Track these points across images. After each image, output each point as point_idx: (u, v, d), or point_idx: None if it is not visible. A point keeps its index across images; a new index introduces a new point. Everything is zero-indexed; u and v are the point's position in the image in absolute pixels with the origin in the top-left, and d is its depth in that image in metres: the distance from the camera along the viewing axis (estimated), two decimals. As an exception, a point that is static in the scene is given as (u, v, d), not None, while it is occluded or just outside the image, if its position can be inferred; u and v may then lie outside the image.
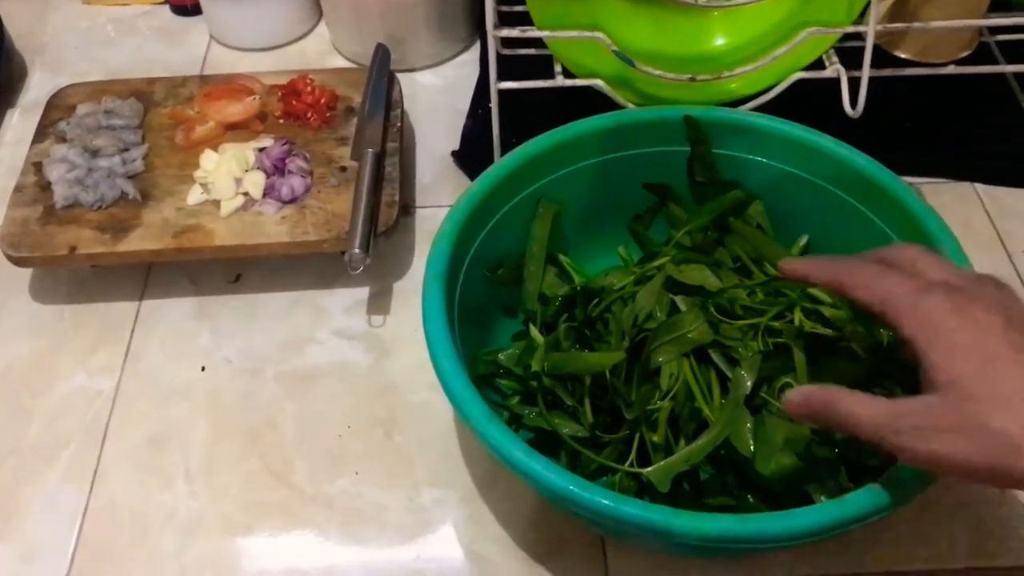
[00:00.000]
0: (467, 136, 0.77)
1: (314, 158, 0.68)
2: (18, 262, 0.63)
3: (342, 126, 0.70)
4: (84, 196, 0.64)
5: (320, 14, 0.87)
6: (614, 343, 0.55)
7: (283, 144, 0.67)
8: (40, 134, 0.70)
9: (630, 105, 0.66)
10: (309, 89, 0.71)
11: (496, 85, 0.65)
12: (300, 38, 0.86)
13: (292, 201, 0.65)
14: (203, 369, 0.62)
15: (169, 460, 0.58)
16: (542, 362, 0.55)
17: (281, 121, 0.70)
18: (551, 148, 0.60)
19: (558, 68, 0.66)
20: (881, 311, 0.42)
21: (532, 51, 0.67)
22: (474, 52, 0.85)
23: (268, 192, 0.65)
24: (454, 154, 0.75)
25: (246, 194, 0.65)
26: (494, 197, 0.59)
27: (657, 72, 0.64)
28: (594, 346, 0.56)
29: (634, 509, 0.44)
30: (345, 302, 0.66)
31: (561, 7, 0.64)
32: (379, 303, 0.66)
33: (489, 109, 0.77)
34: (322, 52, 0.85)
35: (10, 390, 0.62)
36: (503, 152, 0.70)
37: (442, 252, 0.55)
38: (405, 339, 0.64)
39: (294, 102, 0.70)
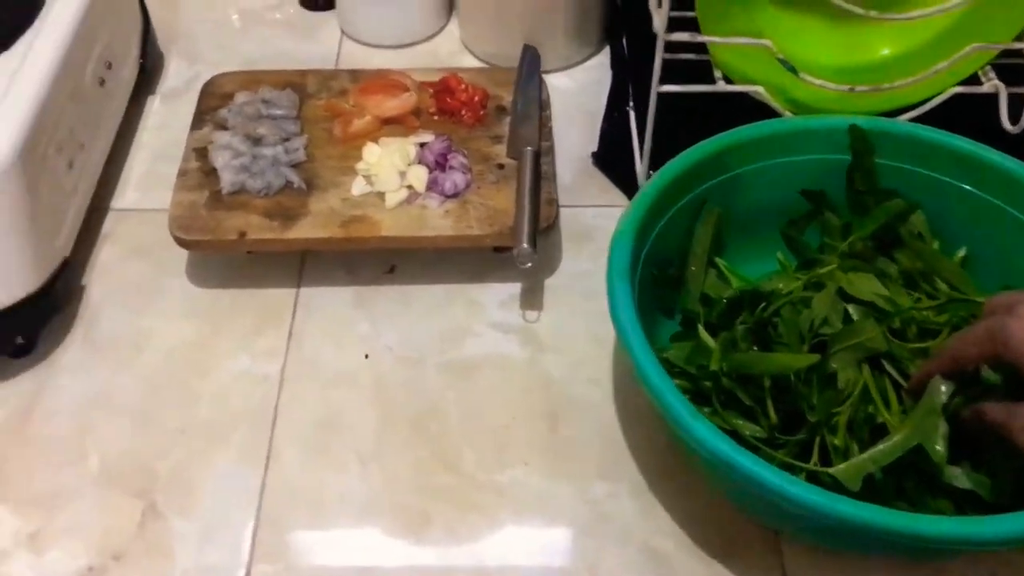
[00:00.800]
0: (605, 138, 0.78)
1: (471, 155, 0.69)
2: (188, 245, 0.65)
3: (495, 124, 0.72)
4: (251, 183, 0.66)
5: (450, 13, 0.88)
6: (793, 346, 0.56)
7: (444, 140, 0.69)
8: (198, 121, 0.71)
9: (787, 113, 0.67)
10: (463, 87, 0.72)
11: (657, 88, 0.66)
12: (431, 37, 0.87)
13: (454, 196, 0.66)
14: (366, 356, 0.64)
15: (340, 444, 0.59)
16: (720, 362, 0.56)
17: (435, 118, 0.72)
18: (718, 152, 0.62)
19: (718, 73, 0.67)
20: (992, 353, 0.47)
21: (691, 56, 0.68)
22: (603, 56, 0.86)
23: (431, 186, 0.66)
24: (594, 156, 0.77)
25: (410, 187, 0.66)
26: (665, 199, 0.60)
27: (818, 82, 0.65)
28: (773, 349, 0.57)
29: (880, 515, 0.45)
30: (499, 296, 0.67)
31: (728, 14, 0.65)
32: (531, 299, 0.67)
33: (627, 112, 0.79)
34: (453, 51, 0.87)
35: (176, 370, 0.63)
36: (653, 155, 0.71)
37: (624, 250, 0.56)
38: (560, 334, 0.65)
39: (448, 99, 0.72)
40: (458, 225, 0.65)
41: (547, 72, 0.83)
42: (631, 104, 0.80)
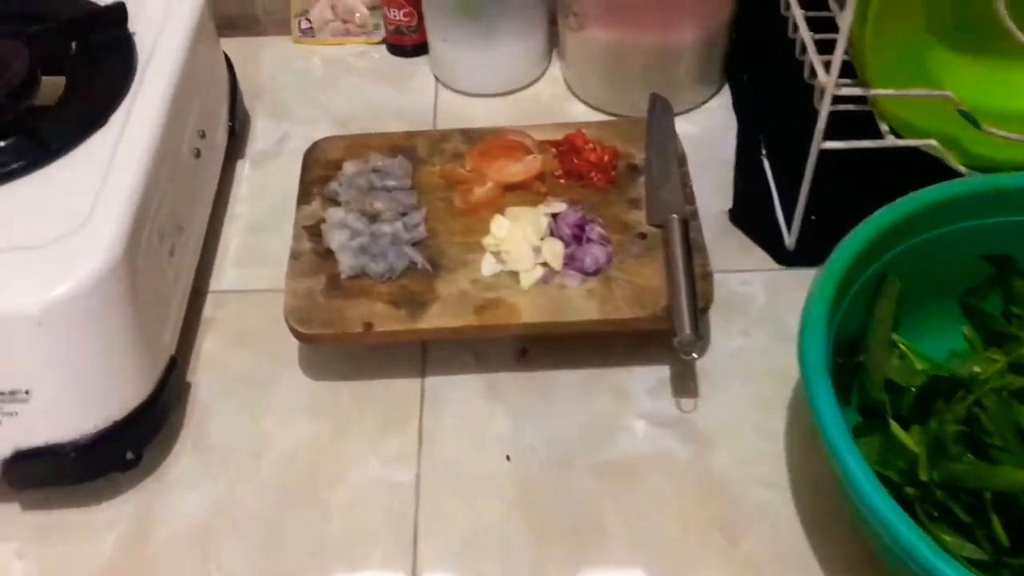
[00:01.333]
0: (740, 193, 0.71)
1: (607, 224, 0.62)
2: (308, 339, 0.59)
3: (629, 186, 0.65)
4: (372, 266, 0.59)
5: (551, 56, 0.82)
6: (1012, 450, 0.49)
7: (578, 209, 0.62)
8: (305, 194, 0.65)
9: (961, 168, 0.60)
10: (590, 146, 0.65)
11: (820, 144, 0.59)
12: (533, 82, 0.81)
13: (595, 273, 0.60)
14: (508, 458, 0.57)
15: (491, 563, 0.53)
16: (929, 471, 0.49)
17: (562, 181, 0.65)
18: (903, 218, 0.55)
19: (884, 126, 0.60)
20: None
21: (851, 107, 0.61)
22: (723, 97, 0.79)
23: (568, 263, 0.60)
24: (730, 213, 0.70)
25: (545, 264, 0.60)
26: (851, 275, 0.53)
27: (1002, 133, 0.58)
28: (988, 452, 0.50)
29: None
30: (647, 382, 0.61)
31: (899, 63, 0.58)
32: (685, 384, 0.60)
33: (759, 161, 0.73)
34: (558, 97, 0.80)
35: (300, 479, 0.57)
36: (807, 215, 0.64)
37: (818, 341, 0.49)
38: (722, 427, 0.58)
39: (575, 160, 0.65)
40: (604, 307, 0.58)
41: (666, 118, 0.77)
42: (764, 153, 0.73)
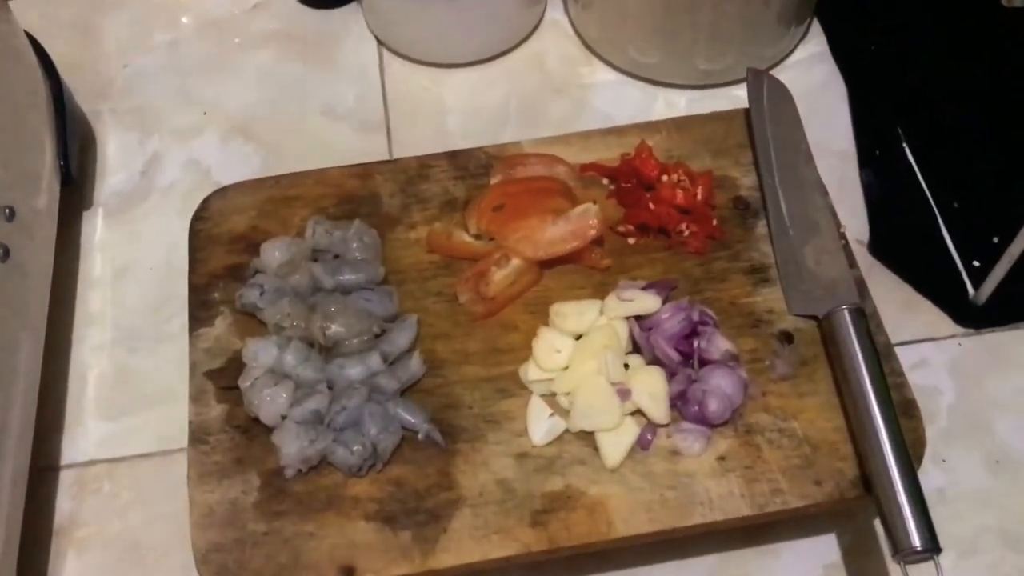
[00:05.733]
0: (877, 207, 0.46)
1: (722, 319, 0.38)
2: (243, 607, 0.33)
3: (742, 240, 0.40)
4: (339, 453, 0.34)
5: (547, -9, 0.54)
6: None
7: (683, 305, 0.36)
8: (200, 308, 0.38)
9: None
10: (670, 177, 0.39)
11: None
12: (526, 38, 0.54)
13: (725, 422, 0.35)
14: None
15: None
16: None
17: (631, 242, 0.39)
18: None
19: None
20: None
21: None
22: (813, 43, 0.53)
23: (678, 405, 0.35)
24: (871, 244, 0.45)
25: (638, 413, 0.35)
26: None
27: None
28: None
29: None
30: (808, 570, 0.38)
31: None
32: (870, 567, 0.38)
33: (901, 152, 0.48)
34: (571, 59, 0.53)
35: None
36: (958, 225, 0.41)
37: None
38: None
39: (651, 205, 0.39)
40: (753, 489, 0.34)
41: (729, 84, 0.51)
42: (904, 140, 0.48)
